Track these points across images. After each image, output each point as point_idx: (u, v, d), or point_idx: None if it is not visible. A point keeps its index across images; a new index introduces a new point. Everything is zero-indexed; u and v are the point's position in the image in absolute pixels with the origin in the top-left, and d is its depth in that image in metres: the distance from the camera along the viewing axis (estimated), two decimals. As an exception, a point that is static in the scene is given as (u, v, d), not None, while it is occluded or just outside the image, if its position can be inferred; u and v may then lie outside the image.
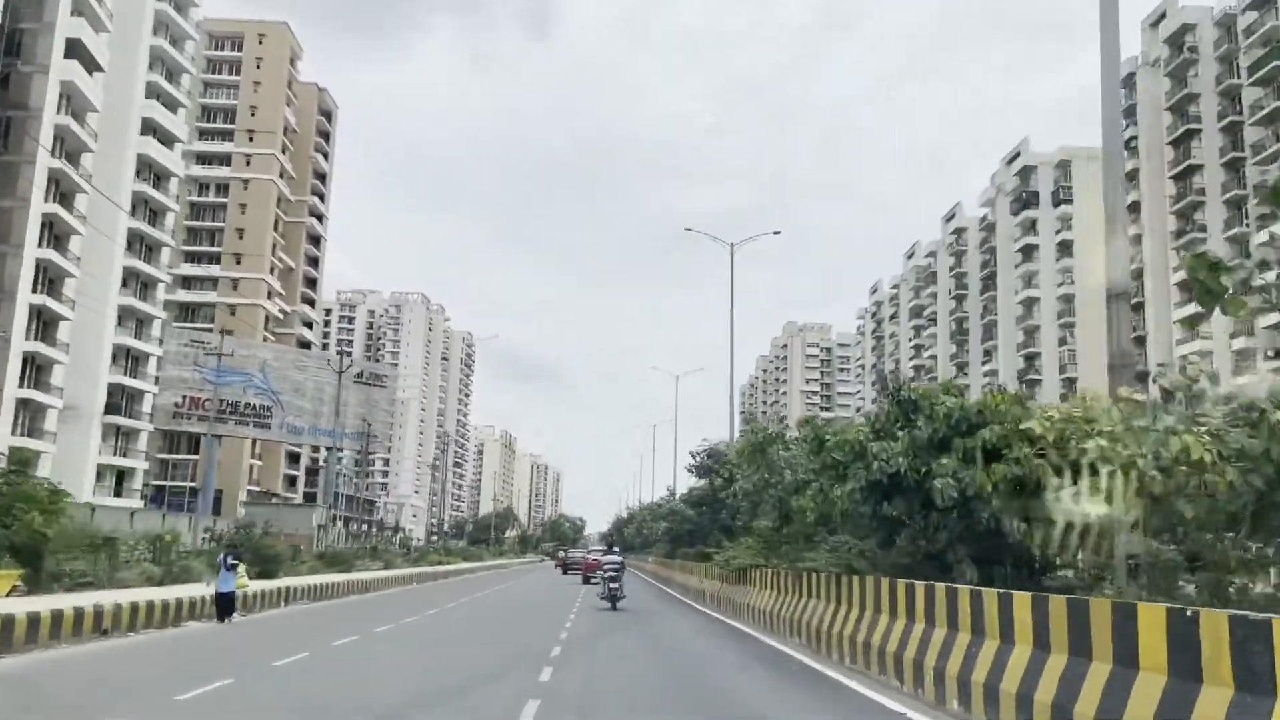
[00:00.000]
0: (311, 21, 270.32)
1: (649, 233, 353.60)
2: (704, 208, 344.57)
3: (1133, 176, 78.87)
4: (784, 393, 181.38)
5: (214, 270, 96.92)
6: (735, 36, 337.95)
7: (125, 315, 69.70)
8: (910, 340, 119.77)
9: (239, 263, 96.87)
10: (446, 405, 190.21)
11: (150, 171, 70.95)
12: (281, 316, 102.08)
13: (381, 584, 33.55)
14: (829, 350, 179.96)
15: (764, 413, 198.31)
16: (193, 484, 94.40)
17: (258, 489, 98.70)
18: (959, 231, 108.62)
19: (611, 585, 27.32)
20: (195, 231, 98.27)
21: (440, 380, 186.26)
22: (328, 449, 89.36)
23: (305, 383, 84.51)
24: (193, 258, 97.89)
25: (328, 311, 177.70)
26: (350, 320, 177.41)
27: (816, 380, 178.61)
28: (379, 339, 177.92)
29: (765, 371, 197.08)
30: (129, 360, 70.28)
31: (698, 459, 36.25)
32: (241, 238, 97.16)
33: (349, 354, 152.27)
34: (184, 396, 79.19)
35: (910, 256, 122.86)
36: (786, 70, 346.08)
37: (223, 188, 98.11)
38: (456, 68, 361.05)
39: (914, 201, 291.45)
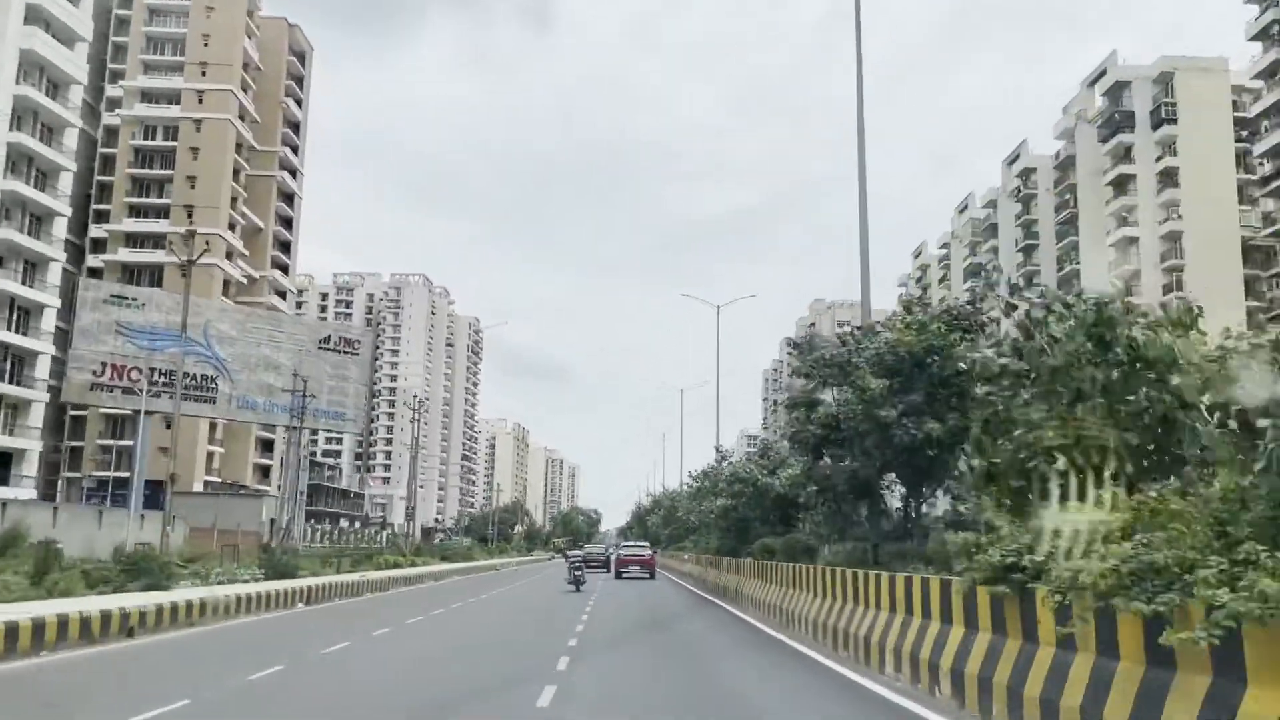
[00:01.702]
0: (312, 17, 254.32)
1: (656, 229, 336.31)
2: (712, 205, 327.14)
3: (1275, 71, 61.69)
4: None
5: (161, 225, 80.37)
6: (743, 35, 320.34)
7: (8, 255, 53.05)
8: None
9: (190, 216, 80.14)
10: (453, 394, 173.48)
11: (42, 75, 54.40)
12: (246, 282, 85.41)
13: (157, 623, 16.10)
14: (861, 329, 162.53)
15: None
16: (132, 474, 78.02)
17: (219, 480, 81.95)
18: (1026, 173, 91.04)
19: (575, 573, 32.47)
20: (140, 181, 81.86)
21: (445, 368, 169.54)
22: (287, 428, 72.56)
23: (260, 348, 67.92)
24: (137, 211, 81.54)
25: (324, 296, 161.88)
26: (348, 304, 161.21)
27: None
28: (379, 324, 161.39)
29: (791, 354, 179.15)
30: (14, 312, 53.64)
31: (806, 360, 19.44)
32: (194, 187, 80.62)
33: (349, 320, 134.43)
34: (103, 364, 62.68)
35: (963, 210, 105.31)
36: (795, 68, 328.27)
37: (171, 131, 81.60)
38: (457, 65, 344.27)
39: (924, 195, 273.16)
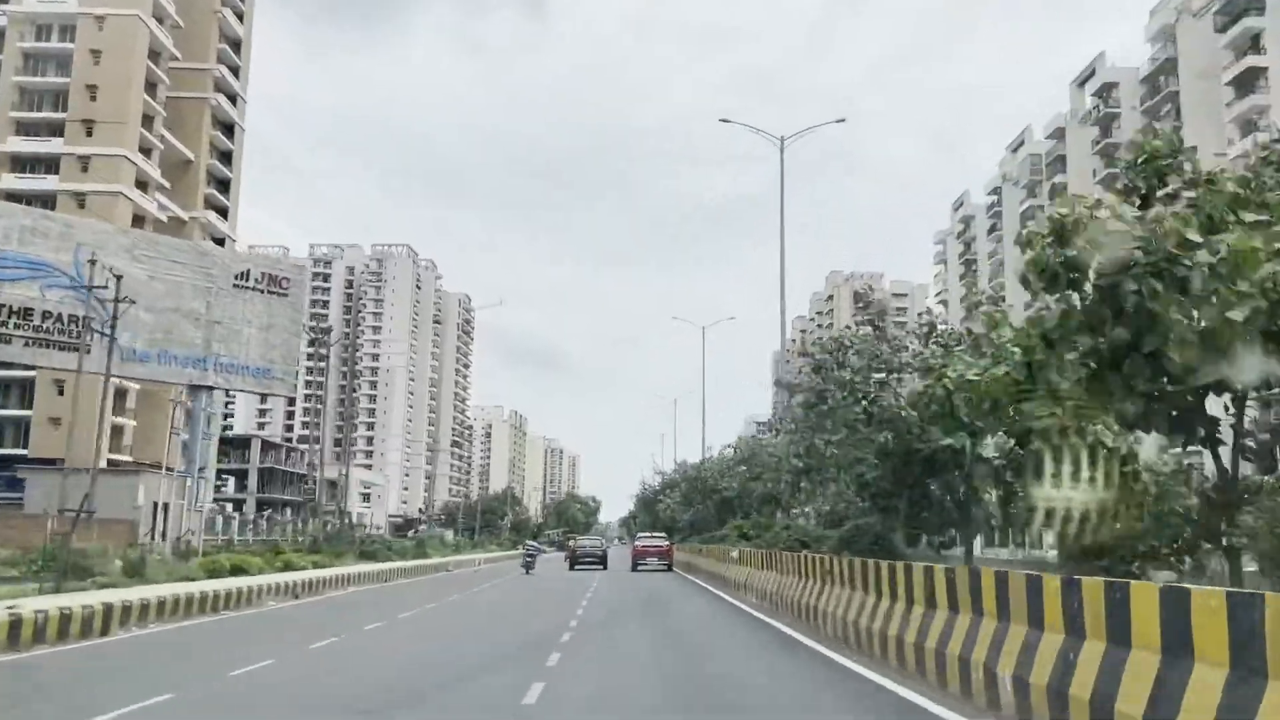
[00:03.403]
0: (308, 5, 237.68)
1: (656, 216, 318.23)
2: (713, 191, 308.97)
3: None
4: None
5: (54, 145, 63.35)
6: (740, 24, 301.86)
7: None
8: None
9: (90, 134, 63.22)
10: (441, 375, 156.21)
11: None
12: (167, 221, 68.15)
13: None
14: (881, 302, 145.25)
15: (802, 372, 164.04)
16: (21, 450, 61.19)
17: (130, 460, 64.82)
18: (1105, 90, 73.89)
19: (528, 558, 38.48)
20: (30, 94, 64.85)
21: (433, 347, 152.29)
22: (191, 387, 55.27)
23: (154, 283, 50.59)
24: (26, 129, 64.44)
25: (299, 269, 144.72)
26: (326, 278, 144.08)
27: (869, 336, 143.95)
28: (359, 299, 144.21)
29: (805, 332, 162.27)
30: None
31: None
32: (95, 99, 63.50)
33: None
34: (-74, 297, 45.50)
35: (1018, 148, 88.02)
36: (792, 54, 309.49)
37: (69, 31, 64.54)
38: (452, 52, 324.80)
39: (931, 182, 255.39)
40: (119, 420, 65.34)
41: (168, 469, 46.79)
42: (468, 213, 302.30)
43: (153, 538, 44.67)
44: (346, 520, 55.99)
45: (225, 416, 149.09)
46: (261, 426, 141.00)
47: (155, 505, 45.29)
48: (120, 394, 65.33)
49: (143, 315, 50.22)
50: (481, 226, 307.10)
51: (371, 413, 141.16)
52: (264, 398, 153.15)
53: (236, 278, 53.78)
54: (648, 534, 51.16)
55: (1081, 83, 77.88)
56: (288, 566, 24.89)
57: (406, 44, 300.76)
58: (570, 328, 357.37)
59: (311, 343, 50.83)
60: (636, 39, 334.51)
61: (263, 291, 54.46)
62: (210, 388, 54.32)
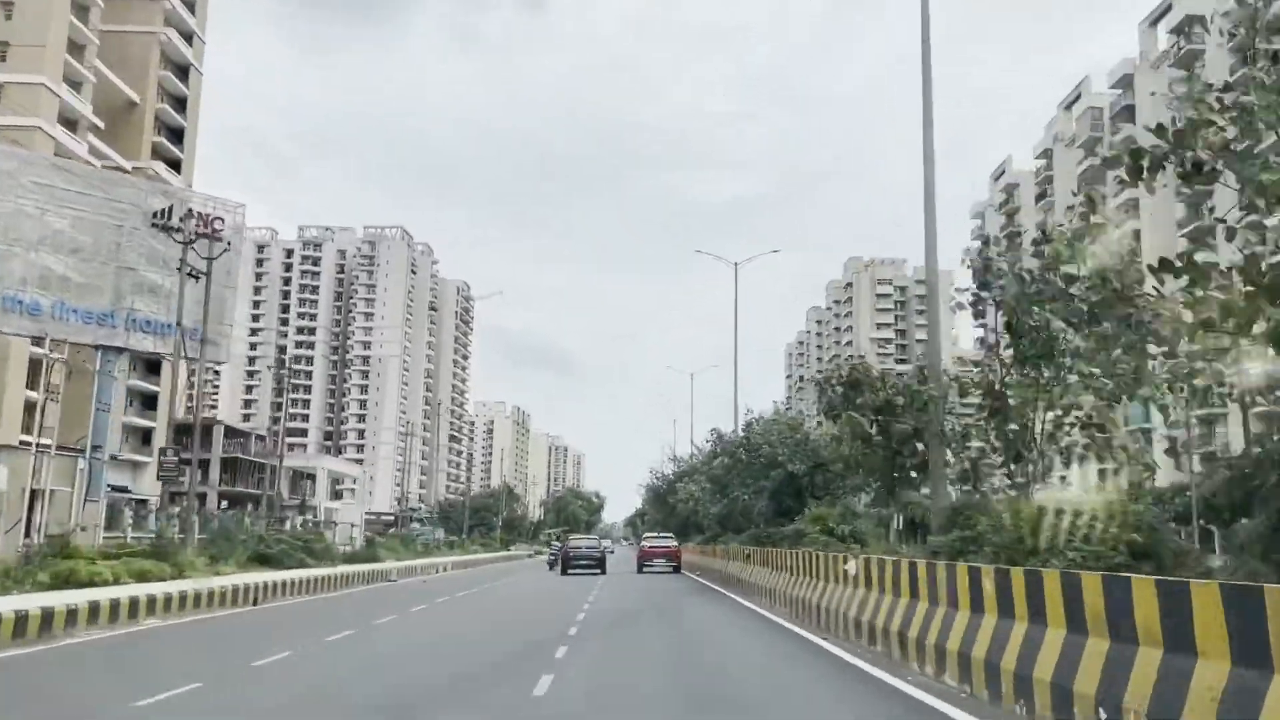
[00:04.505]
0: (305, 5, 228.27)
1: (660, 215, 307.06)
2: (719, 191, 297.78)
3: None
4: (848, 343, 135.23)
5: (-40, 71, 52.83)
6: (744, 20, 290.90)
7: None
8: (1074, 225, 73.72)
9: (4, 59, 52.80)
10: (438, 366, 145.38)
11: None
12: (100, 168, 57.46)
13: None
14: (904, 289, 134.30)
15: (819, 372, 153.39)
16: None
17: (48, 444, 53.96)
18: (1185, 27, 63.05)
19: (553, 556, 41.17)
20: (-64, 12, 54.24)
21: (429, 335, 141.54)
22: (97, 348, 44.56)
23: (47, 218, 39.98)
24: (-71, 53, 53.87)
25: (289, 253, 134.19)
26: (316, 262, 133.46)
27: (890, 326, 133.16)
28: (351, 285, 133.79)
29: (821, 323, 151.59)
30: None
31: None
32: (9, 18, 53.05)
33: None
34: None
35: (1071, 104, 77.05)
36: (800, 55, 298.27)
37: (-18, -61, 54.09)
38: (451, 51, 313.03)
39: (939, 180, 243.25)
40: (35, 395, 54.53)
41: (40, 447, 36.02)
42: (463, 210, 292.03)
43: (28, 532, 34.20)
44: (310, 517, 45.27)
45: (210, 408, 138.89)
46: (247, 419, 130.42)
47: (25, 492, 34.62)
48: (38, 364, 54.77)
49: (32, 256, 39.66)
50: (477, 223, 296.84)
51: (363, 404, 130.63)
52: (250, 389, 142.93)
53: (155, 216, 42.83)
54: (654, 534, 50.76)
55: (1156, 19, 67.05)
56: (67, 580, 14.11)
57: (406, 43, 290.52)
58: (570, 325, 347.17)
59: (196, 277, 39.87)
60: (636, 39, 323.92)
61: (191, 235, 43.65)
62: (121, 349, 43.55)
